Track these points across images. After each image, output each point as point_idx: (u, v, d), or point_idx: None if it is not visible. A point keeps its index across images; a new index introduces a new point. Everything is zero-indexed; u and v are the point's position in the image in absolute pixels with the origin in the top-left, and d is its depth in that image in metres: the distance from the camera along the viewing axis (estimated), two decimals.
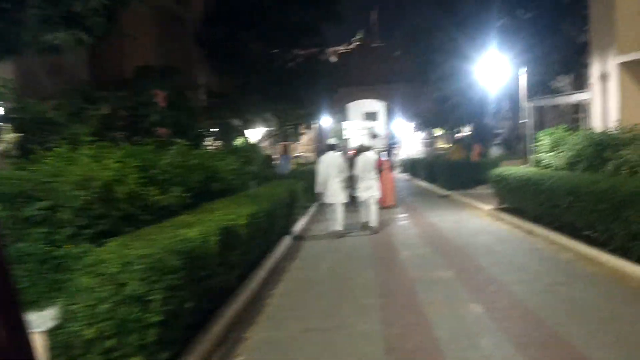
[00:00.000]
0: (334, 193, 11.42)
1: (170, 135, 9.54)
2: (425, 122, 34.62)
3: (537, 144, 12.87)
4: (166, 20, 21.90)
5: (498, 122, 33.09)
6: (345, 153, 17.43)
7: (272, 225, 8.63)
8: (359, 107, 69.52)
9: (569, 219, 8.79)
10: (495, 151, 21.84)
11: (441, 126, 33.33)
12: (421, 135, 40.25)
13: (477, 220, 12.67)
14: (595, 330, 5.01)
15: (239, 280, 6.65)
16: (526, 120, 13.93)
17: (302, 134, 32.49)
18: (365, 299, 6.53)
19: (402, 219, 13.67)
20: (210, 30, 23.07)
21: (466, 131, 36.47)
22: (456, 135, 36.01)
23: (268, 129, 27.00)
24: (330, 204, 11.66)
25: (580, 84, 21.82)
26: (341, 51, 41.70)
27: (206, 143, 17.48)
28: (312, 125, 32.56)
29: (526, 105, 13.78)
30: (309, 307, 6.39)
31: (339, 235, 11.31)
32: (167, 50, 21.83)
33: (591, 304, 5.85)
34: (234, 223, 6.11)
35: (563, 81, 21.55)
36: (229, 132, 17.22)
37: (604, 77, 12.85)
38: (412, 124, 38.46)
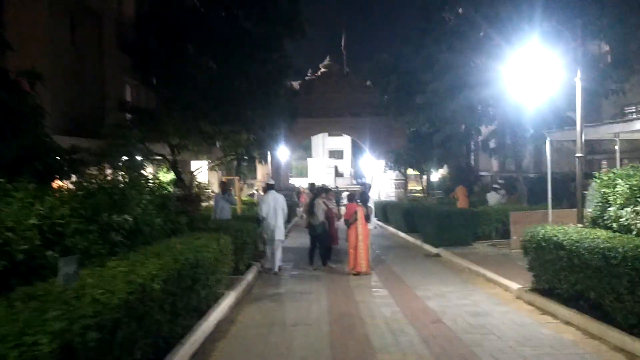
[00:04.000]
0: (274, 232, 11.66)
1: None
2: (398, 161, 30.12)
3: (601, 192, 8.18)
4: (75, 11, 16.90)
5: (483, 161, 28.91)
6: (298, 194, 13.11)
7: None
8: (323, 143, 65.68)
9: None
10: (493, 197, 17.23)
11: (417, 166, 28.86)
12: (392, 175, 35.69)
13: (506, 312, 7.78)
14: None
15: None
16: (580, 156, 9.22)
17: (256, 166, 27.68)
18: None
19: (383, 304, 8.61)
20: (142, 36, 18.13)
21: (440, 172, 32.25)
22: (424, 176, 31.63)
23: (211, 160, 21.86)
24: (270, 243, 11.80)
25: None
26: (305, 78, 37.24)
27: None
28: (267, 158, 27.75)
29: (579, 130, 9.10)
30: None
31: (274, 273, 11.49)
32: (69, 49, 16.73)
33: None
34: None
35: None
36: (136, 159, 12.07)
37: None
38: (382, 163, 33.90)
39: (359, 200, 11.97)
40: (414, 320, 7.35)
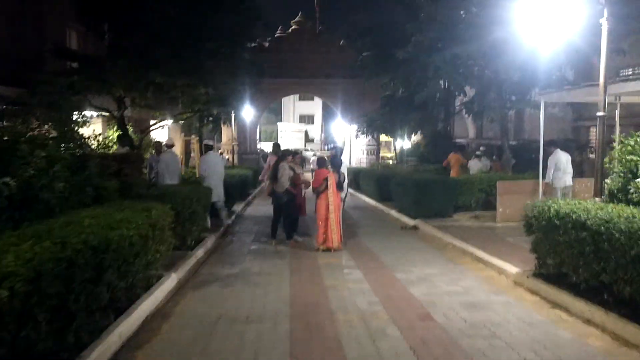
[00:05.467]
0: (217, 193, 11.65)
1: None
2: (372, 125, 28.45)
3: (624, 160, 6.73)
4: None
5: (459, 128, 27.59)
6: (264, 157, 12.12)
7: None
8: (294, 108, 63.70)
9: None
10: (475, 165, 15.83)
11: (391, 131, 27.25)
12: (364, 141, 34.07)
13: (507, 303, 6.36)
14: None
15: None
16: (602, 115, 7.61)
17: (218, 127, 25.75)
18: None
19: (357, 291, 7.06)
20: None
21: (413, 139, 30.87)
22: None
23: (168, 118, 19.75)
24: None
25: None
26: (275, 35, 34.91)
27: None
28: (232, 120, 25.66)
29: (602, 83, 7.53)
30: None
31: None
32: None
33: None
34: None
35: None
36: (64, 109, 10.10)
37: None
38: (355, 127, 32.20)
39: (329, 166, 10.35)
40: (397, 316, 5.84)
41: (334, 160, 11.02)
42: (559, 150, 11.45)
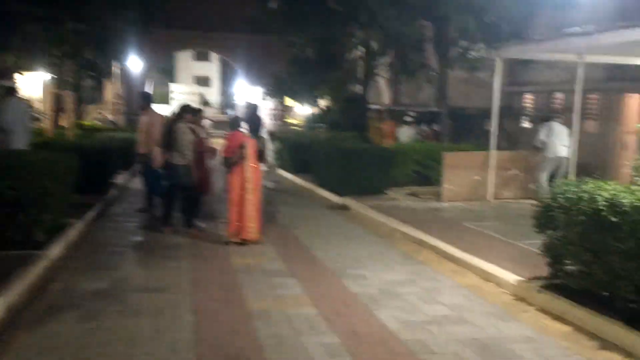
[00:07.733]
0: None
1: None
2: (281, 87, 25.74)
3: None
4: None
5: (372, 92, 25.67)
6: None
7: None
8: (188, 68, 58.75)
9: None
10: (405, 133, 13.81)
11: (301, 94, 24.70)
12: (269, 105, 31.29)
13: (529, 338, 4.23)
14: None
15: None
16: None
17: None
18: None
19: (301, 320, 4.60)
20: None
21: (321, 104, 28.70)
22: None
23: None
24: None
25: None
26: None
27: None
28: (115, 70, 21.75)
29: None
30: None
31: None
32: None
33: None
34: None
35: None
36: None
37: None
38: (259, 90, 29.33)
39: (244, 128, 7.66)
40: None
41: (252, 119, 8.31)
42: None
